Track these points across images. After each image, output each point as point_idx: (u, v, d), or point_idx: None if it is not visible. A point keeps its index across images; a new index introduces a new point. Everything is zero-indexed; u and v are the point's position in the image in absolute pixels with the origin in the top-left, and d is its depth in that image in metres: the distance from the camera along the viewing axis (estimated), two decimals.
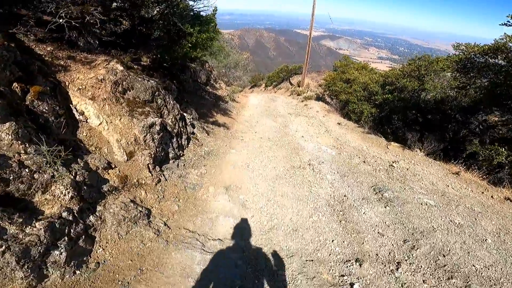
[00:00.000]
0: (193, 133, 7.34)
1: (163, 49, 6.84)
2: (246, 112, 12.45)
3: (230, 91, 13.69)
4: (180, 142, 6.29)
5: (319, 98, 22.20)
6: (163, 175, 5.22)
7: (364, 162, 7.87)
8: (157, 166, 5.18)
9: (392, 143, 9.37)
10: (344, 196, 5.83)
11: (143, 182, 4.72)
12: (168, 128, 5.91)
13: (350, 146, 9.35)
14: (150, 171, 4.91)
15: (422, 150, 8.66)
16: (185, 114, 7.30)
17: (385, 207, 5.34)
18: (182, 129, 6.55)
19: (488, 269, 3.97)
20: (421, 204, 5.56)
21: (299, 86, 26.31)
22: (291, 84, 29.95)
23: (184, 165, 5.92)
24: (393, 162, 7.81)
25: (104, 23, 6.06)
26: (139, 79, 5.61)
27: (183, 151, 6.35)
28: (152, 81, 5.93)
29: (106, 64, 5.33)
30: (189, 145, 6.71)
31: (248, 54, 43.24)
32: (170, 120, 6.13)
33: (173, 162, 5.75)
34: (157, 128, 5.39)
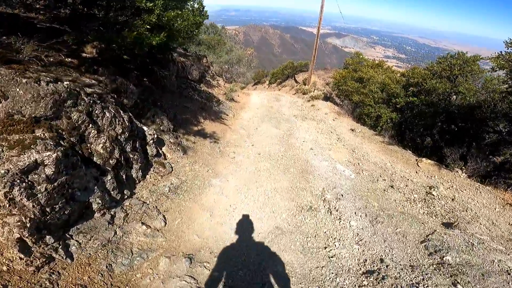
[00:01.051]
0: (157, 154, 5.23)
1: (113, 33, 4.66)
2: (245, 114, 10.68)
3: (228, 89, 11.91)
4: (123, 177, 4.26)
5: (327, 98, 20.34)
6: (61, 250, 3.11)
7: (391, 187, 6.07)
8: (48, 237, 3.09)
9: (423, 159, 7.54)
10: (381, 261, 3.82)
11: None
12: (93, 159, 3.84)
13: (370, 161, 7.55)
14: (22, 251, 2.82)
15: (464, 170, 6.84)
16: (145, 127, 5.23)
17: (454, 286, 3.30)
18: (132, 155, 4.52)
19: None
20: (507, 273, 3.55)
21: (305, 84, 24.44)
22: (296, 81, 28.09)
23: (125, 216, 3.85)
24: (430, 188, 6.00)
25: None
26: (25, 80, 3.37)
27: (131, 190, 4.33)
28: (66, 84, 3.74)
29: None
30: (147, 177, 4.69)
31: (252, 50, 41.37)
32: (100, 145, 3.97)
33: (102, 215, 3.70)
34: (47, 171, 3.09)
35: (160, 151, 5.33)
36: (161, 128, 5.79)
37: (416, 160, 7.66)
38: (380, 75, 13.16)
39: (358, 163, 7.32)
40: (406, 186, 6.15)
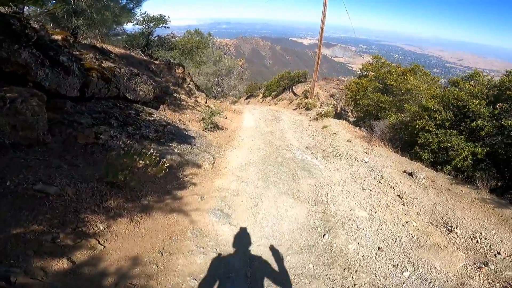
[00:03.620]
0: None
1: None
2: (233, 157, 6.40)
3: (208, 112, 7.79)
4: None
5: (339, 116, 16.47)
6: None
7: None
8: None
9: None
10: None
11: None
12: None
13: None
14: None
15: None
16: None
17: None
18: None
19: None
20: None
21: (306, 97, 20.61)
22: (294, 94, 24.28)
23: None
24: None
25: None
26: None
27: None
28: None
29: None
30: None
31: (243, 60, 37.87)
32: None
33: None
34: None
35: None
36: None
37: None
38: (423, 85, 9.29)
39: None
40: None
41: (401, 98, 9.54)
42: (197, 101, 10.01)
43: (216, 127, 8.20)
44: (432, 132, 7.19)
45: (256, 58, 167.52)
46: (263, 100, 28.57)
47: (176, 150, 4.81)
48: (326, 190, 5.24)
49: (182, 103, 8.23)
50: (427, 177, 6.38)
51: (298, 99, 21.91)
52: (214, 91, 27.41)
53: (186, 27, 20.15)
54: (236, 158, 6.21)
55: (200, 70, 22.49)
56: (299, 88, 25.03)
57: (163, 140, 4.93)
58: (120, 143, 4.05)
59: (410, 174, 6.51)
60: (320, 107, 17.21)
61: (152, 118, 5.63)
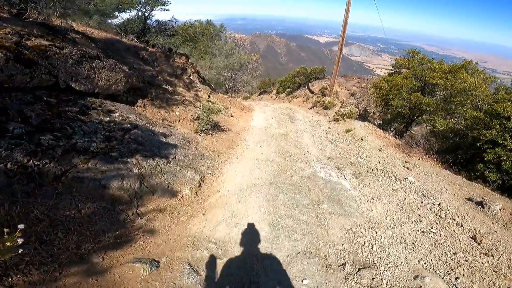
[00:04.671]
0: None
1: None
2: (231, 173, 4.66)
3: (205, 108, 6.03)
4: None
5: (363, 117, 14.52)
6: None
7: None
8: None
9: None
10: None
11: None
12: None
13: None
14: None
15: None
16: None
17: None
18: None
19: None
20: None
21: (324, 95, 18.65)
22: (311, 91, 22.29)
23: None
24: None
25: None
26: None
27: None
28: None
29: None
30: None
31: (257, 56, 36.05)
32: None
33: None
34: None
35: None
36: None
37: None
38: (483, 85, 7.26)
39: None
40: None
41: (451, 100, 7.55)
42: (197, 95, 8.35)
43: (216, 128, 6.50)
44: (507, 148, 5.24)
45: (271, 55, 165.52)
46: (276, 97, 26.73)
47: (135, 170, 3.15)
48: (368, 238, 3.45)
49: (175, 97, 6.56)
50: (504, 209, 4.49)
51: (315, 96, 19.96)
52: (226, 86, 25.78)
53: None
54: (235, 175, 4.48)
55: (211, 63, 20.88)
56: (315, 85, 23.04)
57: (116, 154, 3.28)
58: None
59: (480, 203, 4.63)
60: (340, 107, 15.27)
61: (109, 118, 4.00)
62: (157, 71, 7.57)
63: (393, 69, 11.79)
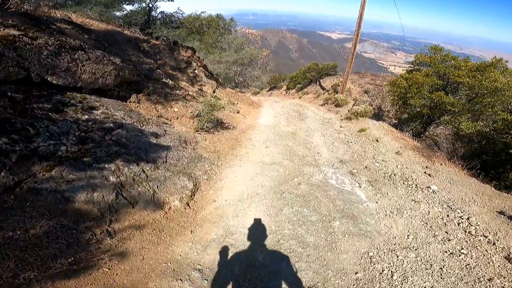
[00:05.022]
0: None
1: None
2: (232, 178, 4.10)
3: (207, 104, 5.49)
4: None
5: (377, 116, 13.80)
6: None
7: None
8: None
9: None
10: None
11: None
12: None
13: None
14: None
15: None
16: None
17: None
18: None
19: None
20: None
21: (336, 92, 17.90)
22: (322, 88, 21.51)
23: None
24: None
25: None
26: None
27: None
28: None
29: None
30: None
31: (268, 51, 35.35)
32: None
33: None
34: None
35: None
36: None
37: None
38: None
39: None
40: None
41: (478, 100, 6.83)
42: (201, 90, 7.87)
43: (218, 125, 6.01)
44: None
45: (282, 51, 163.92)
46: (286, 93, 26.06)
47: (113, 178, 2.66)
48: (388, 263, 2.88)
49: (176, 92, 6.08)
50: None
51: (326, 93, 19.21)
52: (236, 81, 25.27)
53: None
54: (235, 181, 3.96)
55: (220, 58, 20.38)
56: (327, 82, 22.27)
57: (90, 159, 2.80)
58: None
59: None
60: (353, 105, 14.55)
61: (87, 117, 3.49)
62: (158, 64, 7.12)
63: (412, 66, 11.00)
